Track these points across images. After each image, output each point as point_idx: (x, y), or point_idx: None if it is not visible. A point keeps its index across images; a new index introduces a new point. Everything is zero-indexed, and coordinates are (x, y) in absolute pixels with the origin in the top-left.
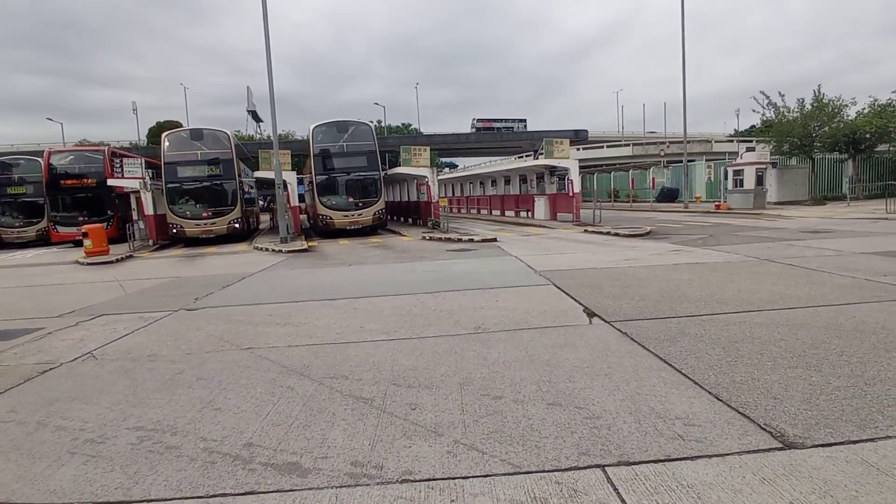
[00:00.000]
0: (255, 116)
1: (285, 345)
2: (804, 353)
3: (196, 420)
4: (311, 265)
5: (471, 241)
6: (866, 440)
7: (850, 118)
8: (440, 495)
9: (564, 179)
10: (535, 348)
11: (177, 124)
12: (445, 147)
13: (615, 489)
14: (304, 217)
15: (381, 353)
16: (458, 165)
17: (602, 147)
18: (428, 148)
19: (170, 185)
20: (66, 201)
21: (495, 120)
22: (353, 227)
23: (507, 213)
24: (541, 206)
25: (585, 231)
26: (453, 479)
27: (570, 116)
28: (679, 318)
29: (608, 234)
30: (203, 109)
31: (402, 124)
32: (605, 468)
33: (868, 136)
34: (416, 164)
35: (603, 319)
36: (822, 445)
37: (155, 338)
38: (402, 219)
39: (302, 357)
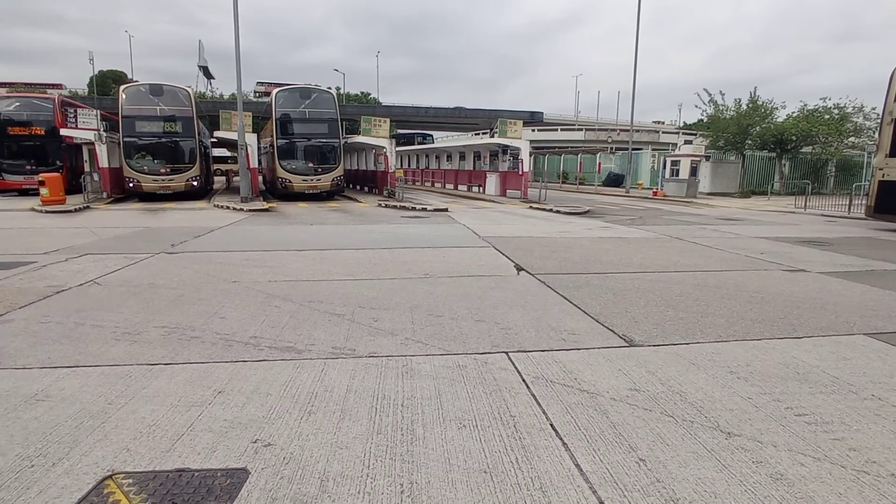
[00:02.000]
0: (207, 73)
1: (266, 280)
2: (670, 299)
3: (207, 323)
4: (275, 223)
5: (424, 210)
6: (680, 343)
7: (779, 120)
8: (395, 363)
9: (516, 158)
10: (471, 288)
11: (121, 74)
12: (405, 119)
13: (512, 362)
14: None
15: (347, 288)
16: (431, 136)
17: (556, 130)
18: (388, 120)
19: (127, 140)
20: (12, 149)
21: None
22: (311, 192)
23: (460, 187)
24: (492, 183)
25: (531, 207)
26: (404, 356)
27: (530, 96)
28: (588, 274)
29: (550, 211)
30: (145, 59)
31: (361, 93)
32: (508, 353)
33: (794, 137)
34: (376, 135)
35: (528, 272)
36: (653, 345)
37: (147, 272)
38: (358, 187)
39: (282, 288)
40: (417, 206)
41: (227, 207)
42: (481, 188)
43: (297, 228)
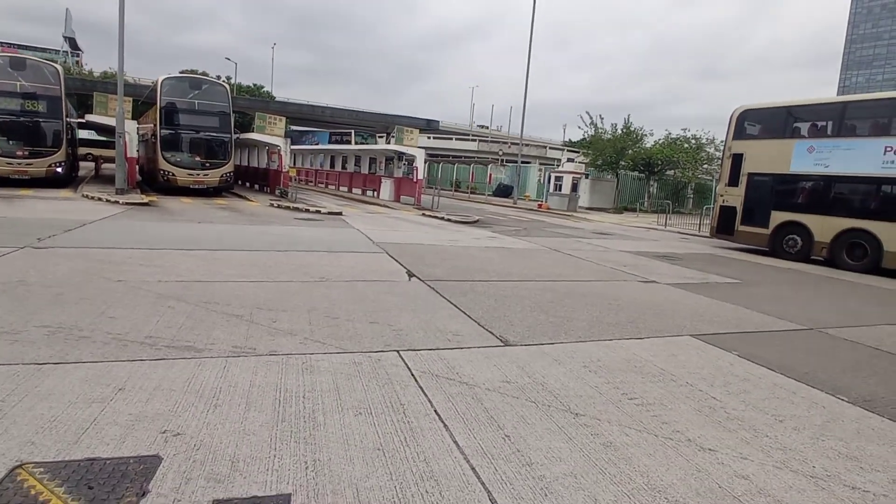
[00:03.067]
0: (74, 45)
1: (156, 280)
2: (543, 304)
3: (96, 323)
4: (158, 219)
5: (318, 212)
6: (546, 343)
7: (648, 146)
8: (296, 360)
9: (411, 165)
10: (366, 292)
11: None
12: (300, 117)
13: (402, 359)
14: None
15: (243, 290)
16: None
17: (451, 139)
18: (284, 118)
19: None
20: None
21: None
22: (197, 187)
23: (354, 190)
24: (386, 188)
25: (423, 214)
26: (304, 354)
27: (429, 102)
28: (474, 282)
29: (442, 219)
30: None
31: (254, 84)
32: (399, 351)
33: (660, 161)
34: (271, 133)
35: (419, 278)
36: (524, 345)
37: (14, 269)
38: (248, 184)
39: (174, 289)
40: (311, 209)
41: (100, 199)
42: (376, 193)
43: (184, 226)
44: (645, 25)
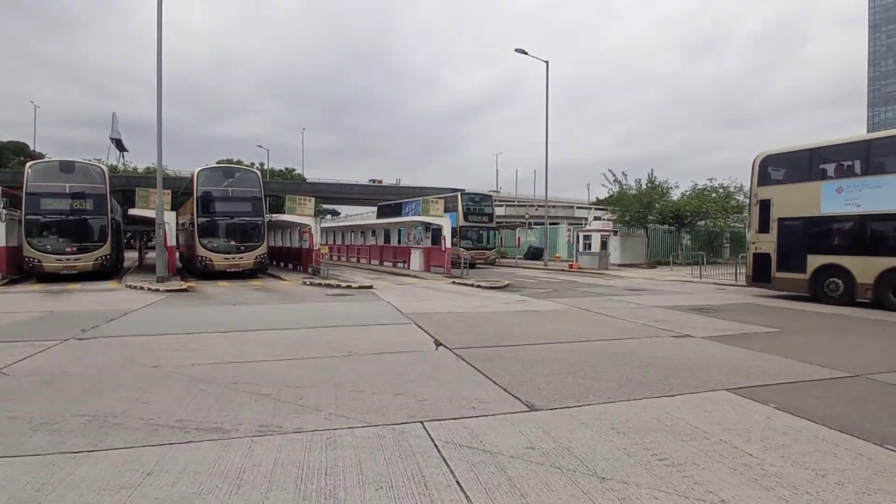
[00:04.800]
0: (120, 145)
1: (189, 363)
2: (571, 367)
3: (130, 409)
4: (195, 304)
5: (349, 287)
6: (574, 406)
7: (675, 198)
8: (320, 436)
9: (439, 235)
10: (392, 364)
11: (23, 145)
12: (329, 196)
13: (426, 430)
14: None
15: (272, 369)
16: (339, 213)
17: None
18: (313, 199)
19: (30, 217)
20: None
21: None
22: (233, 270)
23: (385, 263)
24: (416, 259)
25: (453, 283)
26: (328, 430)
27: (455, 173)
28: (500, 347)
29: (472, 286)
30: (50, 129)
31: (286, 168)
32: (423, 422)
33: (689, 213)
34: (301, 213)
35: (446, 347)
36: (550, 409)
37: (57, 360)
38: (283, 264)
39: (206, 372)
40: (342, 284)
41: (142, 288)
42: (406, 264)
43: (219, 309)
44: (660, 80)
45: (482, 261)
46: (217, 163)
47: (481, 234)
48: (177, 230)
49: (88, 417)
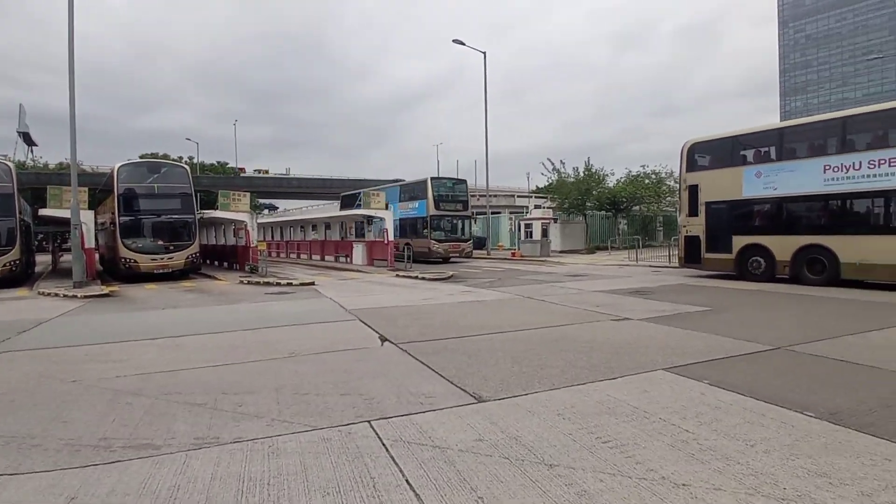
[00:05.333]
0: (28, 139)
1: (113, 376)
2: (516, 355)
3: (48, 429)
4: (118, 310)
5: (289, 284)
6: (520, 395)
7: (611, 185)
8: (261, 445)
9: (381, 227)
10: (337, 363)
11: None
12: (266, 190)
13: (373, 429)
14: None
15: (208, 376)
16: (277, 207)
17: None
18: (248, 194)
19: None
20: None
21: None
22: (161, 271)
23: (326, 257)
24: (359, 252)
25: (397, 275)
26: (270, 437)
27: (397, 163)
28: (446, 339)
29: (416, 278)
30: None
31: (218, 162)
32: (370, 421)
33: (624, 199)
34: (236, 209)
35: (392, 342)
36: (497, 399)
37: None
38: (218, 263)
39: (133, 384)
40: (282, 281)
41: (57, 294)
42: (348, 258)
43: (147, 314)
44: (597, 70)
45: (457, 254)
46: (141, 157)
47: (455, 223)
48: (96, 230)
49: (5, 439)
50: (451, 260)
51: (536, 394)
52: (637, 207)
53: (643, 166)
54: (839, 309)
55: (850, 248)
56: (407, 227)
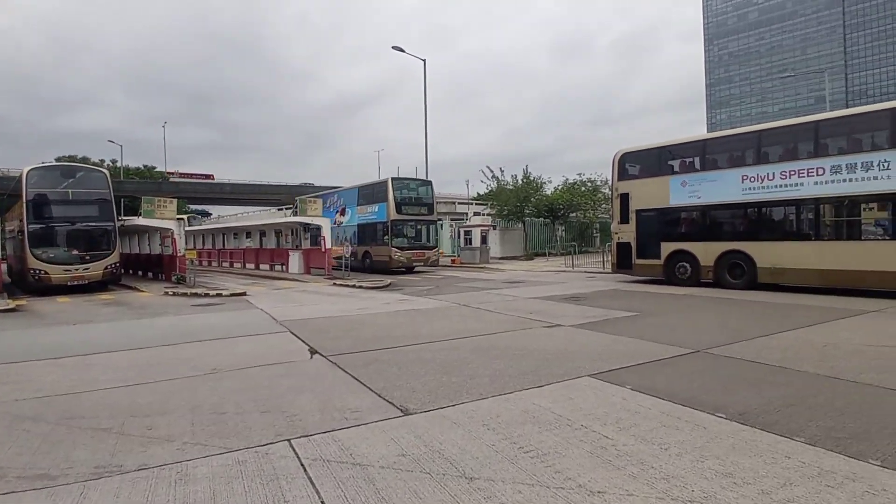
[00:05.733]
0: None
1: (10, 399)
2: (447, 366)
3: None
4: (23, 326)
5: (219, 295)
6: (448, 406)
7: (548, 192)
8: (169, 471)
9: (318, 235)
10: (260, 379)
11: None
12: (197, 196)
13: (293, 448)
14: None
15: (116, 397)
16: (210, 214)
17: None
18: (175, 200)
19: None
20: None
21: None
22: (76, 283)
23: (262, 266)
24: (295, 261)
25: (334, 284)
26: (179, 462)
27: (338, 169)
28: (379, 350)
29: (353, 286)
30: None
31: (145, 166)
32: (290, 440)
33: (561, 206)
34: (161, 216)
35: (322, 355)
36: (424, 412)
37: None
38: (142, 273)
39: (32, 408)
40: (211, 292)
41: None
42: (284, 266)
43: (55, 330)
44: (537, 80)
45: (421, 263)
46: (56, 160)
47: (419, 229)
48: (3, 239)
49: None
50: (416, 269)
51: (464, 404)
52: (574, 214)
53: (580, 174)
54: (755, 312)
55: (765, 254)
56: (366, 234)
